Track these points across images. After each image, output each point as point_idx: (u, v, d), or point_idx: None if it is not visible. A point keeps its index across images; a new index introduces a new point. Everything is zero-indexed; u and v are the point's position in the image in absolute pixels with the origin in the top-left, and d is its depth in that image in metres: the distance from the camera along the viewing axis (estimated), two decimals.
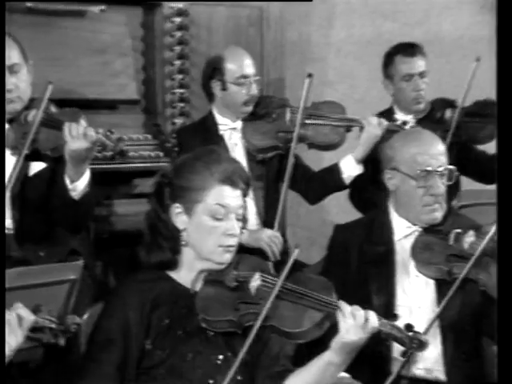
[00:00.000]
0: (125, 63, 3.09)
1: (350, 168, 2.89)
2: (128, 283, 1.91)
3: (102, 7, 3.00)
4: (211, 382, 1.77)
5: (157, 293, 1.83)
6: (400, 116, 3.15)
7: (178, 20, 3.18)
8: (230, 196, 1.82)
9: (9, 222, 2.46)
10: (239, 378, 1.79)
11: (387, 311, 2.11)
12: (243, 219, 1.88)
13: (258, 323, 1.74)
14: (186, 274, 1.87)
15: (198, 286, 1.86)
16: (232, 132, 2.94)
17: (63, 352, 1.84)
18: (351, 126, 2.96)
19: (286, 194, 2.90)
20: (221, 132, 2.93)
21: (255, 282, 1.81)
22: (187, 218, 1.83)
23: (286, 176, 2.83)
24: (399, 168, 2.24)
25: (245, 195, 1.88)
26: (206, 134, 2.92)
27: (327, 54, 4.02)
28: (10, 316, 1.61)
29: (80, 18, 3.01)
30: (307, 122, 2.92)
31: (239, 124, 2.95)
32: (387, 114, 3.15)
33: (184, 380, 1.78)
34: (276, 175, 2.95)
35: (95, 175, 2.45)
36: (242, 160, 2.90)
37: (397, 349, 2.07)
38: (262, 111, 2.97)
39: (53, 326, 1.70)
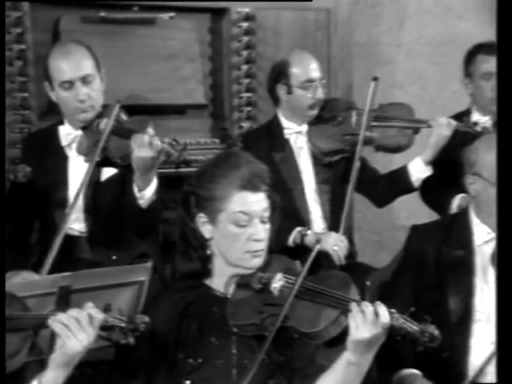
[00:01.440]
0: (193, 69, 3.15)
1: (419, 170, 2.85)
2: (162, 292, 1.96)
3: (171, 14, 3.07)
4: None
5: (190, 301, 1.85)
6: (477, 117, 3.08)
7: (245, 25, 3.22)
8: (252, 201, 1.81)
9: (82, 226, 2.56)
10: (271, 382, 1.79)
11: (464, 316, 2.08)
12: (271, 220, 1.87)
13: (277, 325, 1.73)
14: (218, 280, 1.88)
15: (231, 290, 1.87)
16: (297, 136, 2.95)
17: (133, 351, 1.85)
18: (419, 128, 2.92)
19: (351, 197, 2.88)
20: (286, 136, 2.95)
21: (277, 282, 1.80)
22: (212, 227, 1.85)
23: (351, 179, 2.83)
24: (481, 174, 2.15)
25: (269, 196, 1.86)
26: (271, 137, 2.94)
27: (397, 56, 3.98)
28: (80, 314, 1.66)
29: (150, 25, 3.09)
30: (374, 124, 2.90)
31: (305, 127, 2.95)
32: (464, 115, 3.07)
33: None
34: (342, 178, 2.93)
35: (163, 179, 2.50)
36: (308, 163, 2.94)
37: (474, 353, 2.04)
38: (327, 114, 2.97)
39: (122, 324, 1.74)
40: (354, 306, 1.71)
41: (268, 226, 1.86)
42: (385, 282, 2.42)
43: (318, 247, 1.79)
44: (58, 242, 2.32)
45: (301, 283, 1.77)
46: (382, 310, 1.69)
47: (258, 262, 1.84)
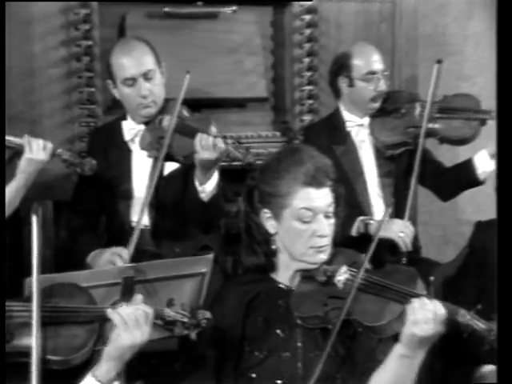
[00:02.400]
0: (255, 62, 3.16)
1: (485, 163, 2.79)
2: (228, 285, 1.97)
3: (234, 8, 3.10)
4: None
5: (255, 294, 1.86)
6: None
7: (307, 17, 3.22)
8: (316, 197, 1.81)
9: (146, 219, 2.60)
10: (338, 375, 1.79)
11: None
12: (336, 214, 1.86)
13: (341, 318, 1.73)
14: (284, 274, 1.89)
15: (296, 283, 1.87)
16: (359, 129, 2.92)
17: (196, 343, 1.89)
18: (486, 119, 2.85)
19: (415, 191, 2.84)
20: (348, 129, 2.93)
21: (342, 275, 1.79)
22: (276, 222, 1.86)
23: (414, 172, 2.79)
24: None
25: (333, 190, 1.85)
26: (332, 130, 2.93)
27: (464, 47, 3.89)
28: (138, 312, 1.68)
29: (213, 19, 3.12)
30: (437, 115, 2.85)
31: (367, 120, 2.93)
32: None
33: (281, 378, 1.80)
34: (405, 172, 2.89)
35: (225, 172, 2.54)
36: (370, 157, 2.91)
37: None
38: (390, 107, 2.93)
39: (185, 319, 1.78)
40: (415, 300, 1.69)
41: (333, 220, 1.86)
42: (450, 278, 2.39)
43: (379, 234, 1.78)
44: (136, 233, 2.39)
45: (366, 276, 1.77)
46: (440, 309, 1.68)
47: (322, 257, 1.84)
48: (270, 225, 1.87)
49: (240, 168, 2.69)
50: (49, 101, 2.92)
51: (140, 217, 2.45)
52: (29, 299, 1.67)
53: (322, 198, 1.82)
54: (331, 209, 1.84)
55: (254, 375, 1.81)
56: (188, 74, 2.55)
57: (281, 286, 1.89)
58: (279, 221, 1.85)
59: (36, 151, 2.37)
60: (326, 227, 1.83)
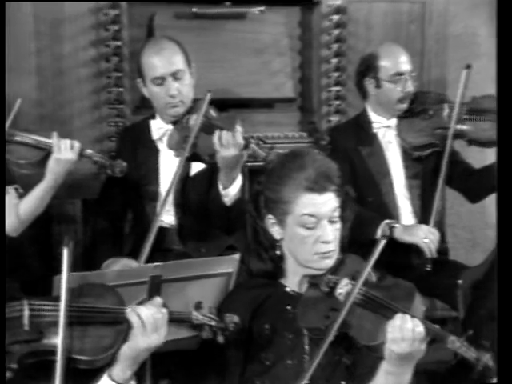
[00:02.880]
0: (282, 62, 3.16)
1: None
2: (236, 289, 1.96)
3: (262, 8, 3.10)
4: None
5: (264, 299, 1.85)
6: None
7: (335, 18, 3.20)
8: (319, 203, 1.78)
9: (172, 219, 2.63)
10: (343, 382, 1.77)
11: None
12: (343, 218, 1.83)
13: (332, 332, 1.69)
14: (292, 279, 1.88)
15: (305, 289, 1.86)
16: (386, 130, 2.92)
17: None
18: None
19: (442, 192, 2.83)
20: (374, 130, 2.92)
21: (343, 288, 1.76)
22: (280, 228, 1.84)
23: (441, 173, 2.77)
24: None
25: (338, 195, 1.81)
26: (359, 131, 2.92)
27: (494, 48, 3.85)
28: (158, 315, 1.69)
29: (241, 19, 3.13)
30: (466, 117, 2.84)
31: (394, 121, 2.92)
32: None
33: None
34: (433, 173, 2.87)
35: (253, 173, 2.50)
36: (397, 158, 2.91)
37: None
38: (418, 108, 2.92)
39: (212, 323, 1.79)
40: (397, 317, 1.67)
41: (338, 225, 1.83)
42: (477, 282, 2.37)
43: (383, 241, 1.74)
44: (153, 232, 2.39)
45: (365, 291, 1.74)
46: (419, 327, 1.65)
47: (328, 262, 1.82)
48: (275, 231, 1.86)
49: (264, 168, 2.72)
50: (78, 101, 2.95)
51: (159, 214, 2.45)
52: (58, 298, 1.68)
53: (325, 203, 1.79)
54: (336, 214, 1.81)
55: (258, 383, 1.81)
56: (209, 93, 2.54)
57: (289, 291, 1.88)
58: (283, 227, 1.83)
59: (64, 151, 2.40)
60: (331, 233, 1.80)
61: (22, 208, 2.41)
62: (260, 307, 1.84)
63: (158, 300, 1.76)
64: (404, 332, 1.64)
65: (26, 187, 2.47)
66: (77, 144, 2.44)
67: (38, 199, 2.41)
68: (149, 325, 1.67)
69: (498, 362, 1.55)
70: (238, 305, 1.85)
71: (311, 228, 1.79)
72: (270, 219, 1.85)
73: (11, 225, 2.40)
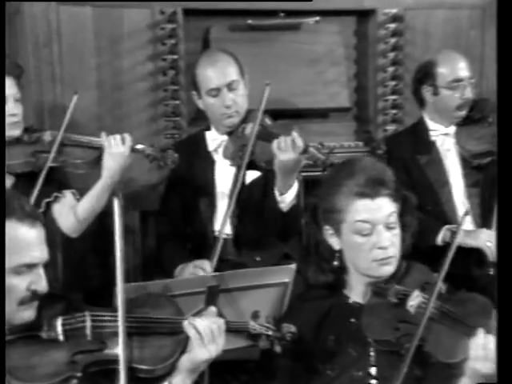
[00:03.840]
0: (337, 72, 3.17)
1: None
2: (299, 300, 1.96)
3: (317, 18, 3.12)
4: None
5: (327, 310, 1.85)
6: None
7: (392, 26, 3.20)
8: (372, 208, 1.77)
9: (228, 228, 2.65)
10: None
11: None
12: (404, 223, 1.80)
13: (412, 350, 1.66)
14: (356, 290, 1.87)
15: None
16: (445, 138, 2.88)
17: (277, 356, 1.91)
18: None
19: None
20: (432, 138, 2.88)
21: (414, 300, 1.73)
22: (338, 238, 1.84)
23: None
24: None
25: (395, 200, 1.79)
26: (416, 140, 2.90)
27: None
28: (214, 326, 1.71)
29: (295, 30, 3.16)
30: None
31: (452, 129, 2.88)
32: None
33: None
34: (493, 181, 2.82)
35: (309, 182, 2.55)
36: (456, 166, 2.87)
37: None
38: (477, 115, 2.87)
39: (270, 333, 1.80)
40: (480, 336, 1.64)
41: (396, 231, 1.81)
42: None
43: (453, 249, 1.72)
44: (219, 243, 2.44)
45: (439, 306, 1.71)
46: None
47: (388, 269, 1.80)
48: (334, 241, 1.86)
49: (320, 178, 2.71)
50: (136, 114, 3.02)
51: (222, 226, 2.50)
52: (118, 309, 1.72)
53: (379, 208, 1.77)
54: (393, 219, 1.79)
55: None
56: (268, 85, 2.58)
57: (352, 303, 1.87)
58: (340, 236, 1.83)
59: (115, 146, 2.43)
60: (387, 239, 1.78)
61: (80, 208, 2.47)
62: (324, 318, 1.84)
63: (213, 309, 1.79)
64: (487, 351, 1.62)
65: (82, 188, 2.53)
66: (128, 137, 2.46)
67: (96, 197, 2.45)
68: (206, 336, 1.70)
69: (499, 361, 1.51)
70: (302, 316, 1.85)
71: (367, 234, 1.78)
72: (328, 230, 1.86)
73: (70, 226, 2.48)
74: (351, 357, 1.80)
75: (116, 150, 2.42)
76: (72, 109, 2.53)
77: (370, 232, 1.78)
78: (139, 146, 2.51)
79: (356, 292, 1.87)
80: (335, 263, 1.86)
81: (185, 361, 1.71)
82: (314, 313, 1.85)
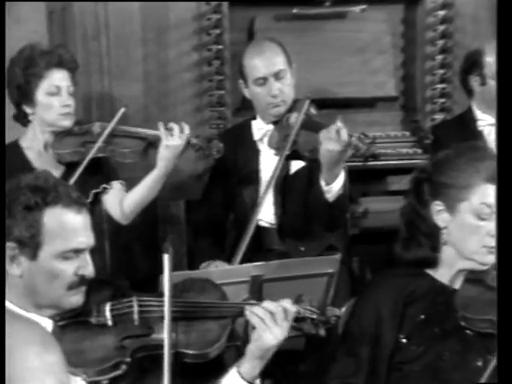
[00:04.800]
0: (384, 60, 3.15)
1: None
2: (382, 278, 1.96)
3: (363, 7, 3.10)
4: None
5: (412, 289, 1.84)
6: None
7: (441, 13, 3.16)
8: (494, 195, 1.76)
9: (272, 218, 2.70)
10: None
11: None
12: None
13: None
14: (444, 272, 1.86)
15: (458, 284, 1.85)
16: (491, 128, 2.86)
17: (323, 342, 1.94)
18: None
19: None
20: (480, 128, 2.88)
21: None
22: (449, 216, 1.82)
23: None
24: None
25: None
26: (463, 129, 2.88)
27: None
28: (276, 309, 1.72)
29: (341, 19, 3.15)
30: None
31: None
32: None
33: (439, 381, 1.78)
34: None
35: (352, 173, 2.55)
36: None
37: None
38: None
39: (314, 316, 1.80)
40: None
41: None
42: None
43: None
44: (249, 233, 2.44)
45: None
46: None
47: (492, 258, 1.80)
48: (441, 218, 1.84)
49: (366, 168, 2.71)
50: (181, 104, 3.06)
51: (256, 213, 2.49)
52: (164, 294, 1.74)
53: None
54: None
55: (410, 370, 1.80)
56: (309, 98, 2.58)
57: (441, 284, 1.86)
58: (453, 214, 1.82)
59: (172, 138, 2.45)
60: None
61: (132, 198, 2.52)
62: (410, 296, 1.84)
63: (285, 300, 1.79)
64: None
65: (128, 178, 2.60)
66: (187, 128, 2.48)
67: (149, 187, 2.50)
68: (268, 320, 1.71)
69: (499, 361, 1.49)
70: (390, 291, 1.86)
71: (485, 219, 1.79)
72: (438, 205, 1.84)
73: (119, 214, 2.54)
74: (437, 337, 1.80)
75: (173, 142, 2.44)
76: (117, 119, 2.55)
77: (487, 217, 1.79)
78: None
79: (444, 273, 1.87)
80: (436, 240, 1.85)
81: (253, 348, 1.71)
82: (401, 289, 1.85)
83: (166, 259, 1.73)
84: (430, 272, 1.88)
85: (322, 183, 2.45)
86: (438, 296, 1.84)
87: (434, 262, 1.87)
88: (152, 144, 2.53)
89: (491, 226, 1.77)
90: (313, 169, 2.54)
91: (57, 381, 1.31)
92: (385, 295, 1.85)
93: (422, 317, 1.82)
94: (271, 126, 2.69)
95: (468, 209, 1.79)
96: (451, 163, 1.84)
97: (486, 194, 1.78)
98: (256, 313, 1.72)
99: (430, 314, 1.82)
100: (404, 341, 1.81)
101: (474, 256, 1.81)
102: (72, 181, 2.39)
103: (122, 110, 2.56)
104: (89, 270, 1.67)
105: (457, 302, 1.79)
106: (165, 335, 1.70)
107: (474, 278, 1.82)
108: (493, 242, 1.77)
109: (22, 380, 1.28)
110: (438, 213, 1.84)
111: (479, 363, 1.77)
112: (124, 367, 1.73)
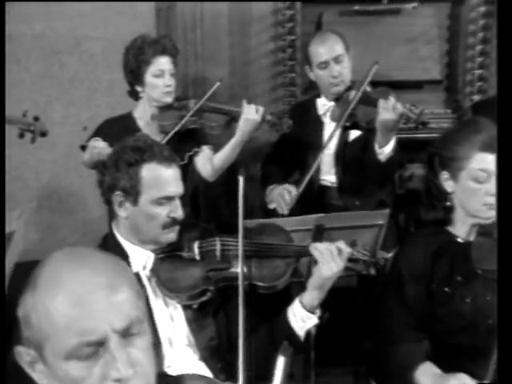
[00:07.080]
0: (430, 49, 3.05)
1: None
2: (414, 238, 1.93)
3: (415, 4, 3.00)
4: (490, 321, 1.71)
5: (438, 245, 1.82)
6: None
7: (483, 9, 2.99)
8: (489, 161, 1.73)
9: (333, 178, 2.65)
10: None
11: None
12: None
13: None
14: (460, 228, 1.84)
15: (472, 237, 1.81)
16: None
17: (373, 282, 1.89)
18: None
19: None
20: None
21: None
22: (453, 183, 1.80)
23: None
24: None
25: None
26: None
27: None
28: (331, 247, 1.70)
29: (396, 14, 3.04)
30: None
31: None
32: None
33: (465, 321, 1.74)
34: None
35: (401, 143, 2.49)
36: None
37: None
38: None
39: (365, 258, 1.77)
40: None
41: None
42: None
43: None
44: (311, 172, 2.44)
45: None
46: None
47: (493, 213, 1.77)
48: (448, 185, 1.83)
49: (412, 140, 2.66)
50: (260, 84, 3.04)
51: (314, 166, 2.46)
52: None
53: (494, 162, 1.74)
54: None
55: (441, 315, 1.77)
56: (376, 64, 2.53)
57: (458, 239, 1.85)
58: (456, 181, 1.80)
59: (252, 113, 2.47)
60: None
61: (217, 159, 2.54)
62: (437, 250, 1.83)
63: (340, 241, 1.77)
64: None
65: (215, 144, 2.60)
66: (261, 108, 2.50)
67: (230, 151, 2.52)
68: (326, 255, 1.68)
69: (499, 361, 1.37)
70: (419, 249, 1.84)
71: (482, 182, 1.76)
72: (444, 175, 1.83)
73: (208, 173, 2.56)
74: (460, 284, 1.79)
75: (252, 116, 2.46)
76: (211, 92, 2.54)
77: (484, 180, 1.76)
78: (265, 116, 2.51)
79: (461, 229, 1.85)
80: (447, 203, 1.84)
81: (313, 280, 1.69)
82: (428, 245, 1.84)
83: (241, 181, 1.72)
84: (450, 229, 1.86)
85: (376, 146, 2.42)
86: (458, 249, 1.81)
87: (448, 221, 1.84)
88: (234, 119, 2.53)
89: (488, 186, 1.74)
90: (368, 136, 2.50)
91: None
92: (416, 254, 1.82)
93: (447, 269, 1.79)
94: (333, 103, 2.64)
95: (467, 175, 1.76)
96: (452, 138, 1.80)
97: (481, 161, 1.73)
98: (317, 247, 1.72)
99: (453, 266, 1.80)
100: (434, 290, 1.78)
101: (478, 213, 1.78)
102: (165, 140, 2.39)
103: (218, 83, 2.55)
104: (178, 213, 1.71)
105: (472, 255, 1.76)
106: (239, 265, 1.68)
107: (483, 231, 1.79)
108: (491, 200, 1.74)
109: None
110: (445, 180, 1.82)
111: (488, 298, 1.72)
112: (209, 294, 1.73)
